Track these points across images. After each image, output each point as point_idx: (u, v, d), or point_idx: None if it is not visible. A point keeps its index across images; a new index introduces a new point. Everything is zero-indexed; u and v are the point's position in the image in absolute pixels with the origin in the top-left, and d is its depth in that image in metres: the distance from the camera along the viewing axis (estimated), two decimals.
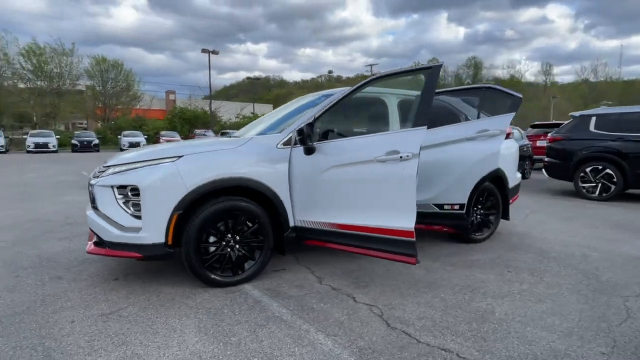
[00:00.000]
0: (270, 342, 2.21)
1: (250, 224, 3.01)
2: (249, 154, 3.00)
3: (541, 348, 2.16)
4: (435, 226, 3.67)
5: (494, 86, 3.66)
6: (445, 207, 3.49)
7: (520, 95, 3.41)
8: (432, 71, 2.71)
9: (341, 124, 3.29)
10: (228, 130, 23.59)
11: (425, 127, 2.62)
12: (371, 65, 48.57)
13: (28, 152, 23.37)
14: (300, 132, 2.88)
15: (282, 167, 3.05)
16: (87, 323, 2.43)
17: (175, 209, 2.73)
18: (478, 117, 3.57)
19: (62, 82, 35.10)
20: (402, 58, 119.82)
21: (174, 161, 2.78)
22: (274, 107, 25.51)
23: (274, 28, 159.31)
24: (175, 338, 2.26)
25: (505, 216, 4.38)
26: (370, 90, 3.36)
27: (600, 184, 6.96)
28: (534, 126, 13.10)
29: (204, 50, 29.94)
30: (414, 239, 2.61)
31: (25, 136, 26.66)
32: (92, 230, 2.93)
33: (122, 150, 20.89)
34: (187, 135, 30.45)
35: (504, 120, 3.39)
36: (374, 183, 2.76)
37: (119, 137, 27.28)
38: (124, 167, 2.85)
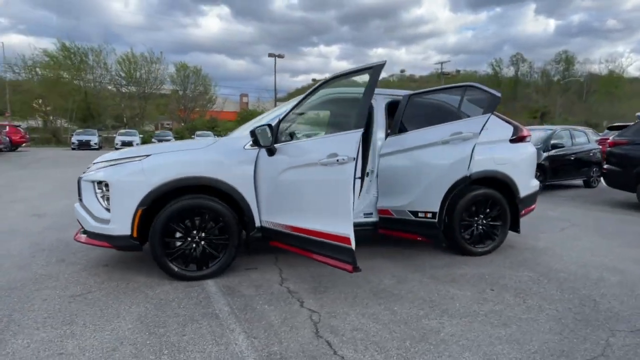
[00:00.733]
0: (191, 338, 2.29)
1: (215, 223, 3.12)
2: (213, 154, 3.12)
3: None
4: (409, 234, 3.44)
5: (475, 84, 3.30)
6: (420, 214, 3.25)
7: (499, 94, 3.03)
8: (373, 70, 2.55)
9: (309, 126, 3.26)
10: None
11: (362, 129, 2.49)
12: (441, 63, 46.45)
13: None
14: (252, 133, 2.91)
15: (249, 168, 3.11)
16: (56, 302, 2.73)
17: (140, 204, 2.94)
18: (457, 119, 3.26)
19: (149, 87, 39.22)
20: (481, 54, 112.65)
21: (140, 160, 3.00)
22: None
23: (346, 30, 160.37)
24: (114, 323, 2.44)
25: (515, 228, 3.94)
26: (341, 91, 3.27)
27: None
28: (611, 128, 11.44)
29: (270, 55, 31.32)
30: (351, 246, 2.49)
31: (114, 135, 30.16)
32: (78, 220, 3.28)
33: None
34: None
35: (477, 122, 3.04)
36: (318, 186, 2.70)
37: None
38: (103, 165, 3.15)
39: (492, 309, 2.71)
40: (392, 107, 3.72)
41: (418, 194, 3.23)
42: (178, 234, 3.07)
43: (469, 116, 3.26)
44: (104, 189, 3.06)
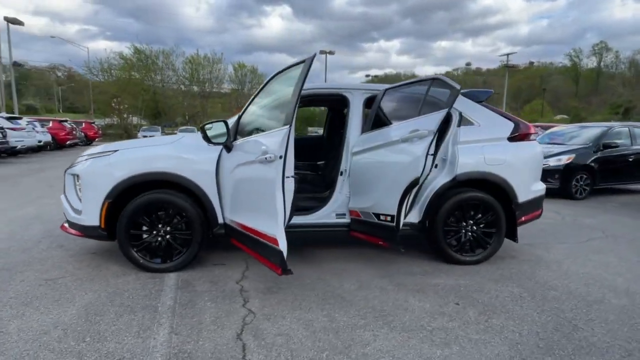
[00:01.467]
0: (119, 328, 2.35)
1: (181, 218, 3.19)
2: (177, 150, 3.18)
3: None
4: (373, 238, 3.21)
5: (440, 77, 2.94)
6: (381, 217, 3.01)
7: (458, 87, 2.65)
8: (304, 64, 2.40)
9: (274, 122, 3.16)
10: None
11: (289, 126, 2.35)
12: (507, 55, 43.26)
13: None
14: (201, 129, 2.91)
15: (210, 164, 3.13)
16: (29, 284, 2.98)
17: (107, 197, 3.09)
18: (419, 114, 2.93)
19: (210, 86, 41.51)
20: (558, 44, 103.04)
21: (109, 155, 3.15)
22: None
23: (408, 23, 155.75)
24: (62, 308, 2.60)
25: (512, 236, 3.53)
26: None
27: None
28: None
29: (321, 52, 31.41)
30: (279, 247, 2.39)
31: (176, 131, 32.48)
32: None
33: None
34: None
35: (434, 119, 2.71)
36: (255, 184, 2.64)
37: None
38: (82, 159, 3.36)
39: (443, 325, 2.45)
40: (371, 103, 3.51)
41: (380, 196, 3.01)
42: (144, 227, 3.19)
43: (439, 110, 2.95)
44: (79, 181, 3.27)
